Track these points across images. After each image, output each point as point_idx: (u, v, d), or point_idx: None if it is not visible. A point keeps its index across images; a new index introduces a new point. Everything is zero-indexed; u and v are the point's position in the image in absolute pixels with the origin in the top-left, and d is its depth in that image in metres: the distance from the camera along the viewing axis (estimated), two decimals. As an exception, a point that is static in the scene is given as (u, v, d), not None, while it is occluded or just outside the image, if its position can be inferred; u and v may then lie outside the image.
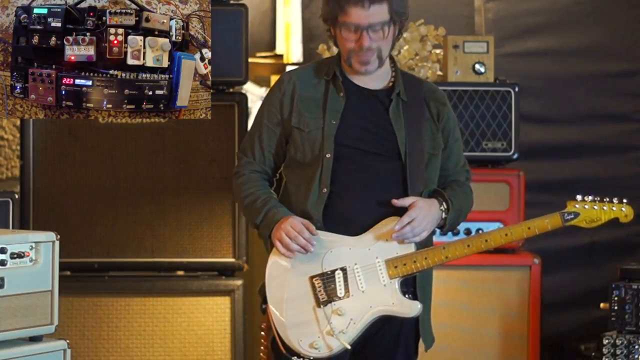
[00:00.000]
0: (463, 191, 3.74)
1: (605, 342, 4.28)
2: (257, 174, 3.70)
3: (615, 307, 4.30)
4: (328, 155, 3.57)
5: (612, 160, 5.64)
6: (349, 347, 3.48)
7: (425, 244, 3.60)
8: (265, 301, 3.60)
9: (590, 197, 3.61)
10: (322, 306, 3.52)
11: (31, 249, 3.63)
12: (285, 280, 3.55)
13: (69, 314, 4.52)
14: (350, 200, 3.58)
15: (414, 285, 3.61)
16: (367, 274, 3.54)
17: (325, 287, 3.53)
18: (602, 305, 4.35)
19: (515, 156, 4.94)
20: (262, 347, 4.65)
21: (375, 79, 3.66)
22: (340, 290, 3.53)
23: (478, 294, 4.80)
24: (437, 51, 5.09)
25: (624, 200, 3.63)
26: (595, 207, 3.60)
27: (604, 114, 5.64)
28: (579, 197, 3.61)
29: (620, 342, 4.27)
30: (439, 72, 5.07)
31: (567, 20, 5.62)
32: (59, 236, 3.71)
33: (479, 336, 4.79)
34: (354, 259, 3.55)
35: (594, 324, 5.07)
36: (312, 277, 3.54)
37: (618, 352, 4.26)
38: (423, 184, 3.62)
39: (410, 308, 3.54)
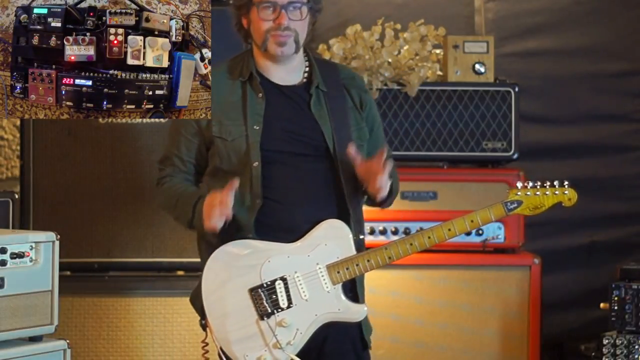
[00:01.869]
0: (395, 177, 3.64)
1: (605, 342, 4.28)
2: (181, 175, 3.60)
3: (615, 307, 4.30)
4: (255, 164, 3.45)
5: (612, 160, 5.64)
6: (297, 359, 3.39)
7: (359, 247, 3.49)
8: (203, 316, 3.48)
9: (531, 184, 3.54)
10: (265, 318, 3.40)
11: (31, 249, 3.63)
12: (224, 293, 3.43)
13: (69, 314, 4.51)
14: (285, 206, 3.46)
15: (353, 283, 3.51)
16: (309, 281, 3.42)
17: (266, 299, 3.41)
18: (602, 305, 4.36)
19: (515, 156, 4.94)
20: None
21: (291, 72, 3.56)
22: (282, 301, 3.41)
23: (478, 294, 4.80)
24: (437, 51, 5.09)
25: (566, 184, 3.57)
26: (538, 193, 3.53)
27: (604, 114, 5.64)
28: (519, 185, 3.54)
29: (620, 342, 4.27)
30: (439, 72, 5.06)
31: (567, 20, 5.62)
32: (59, 236, 3.71)
33: (479, 336, 4.79)
34: (293, 267, 3.43)
35: (594, 324, 5.07)
36: (251, 290, 3.42)
37: (618, 352, 4.27)
38: (356, 179, 3.50)
39: (357, 313, 3.46)
